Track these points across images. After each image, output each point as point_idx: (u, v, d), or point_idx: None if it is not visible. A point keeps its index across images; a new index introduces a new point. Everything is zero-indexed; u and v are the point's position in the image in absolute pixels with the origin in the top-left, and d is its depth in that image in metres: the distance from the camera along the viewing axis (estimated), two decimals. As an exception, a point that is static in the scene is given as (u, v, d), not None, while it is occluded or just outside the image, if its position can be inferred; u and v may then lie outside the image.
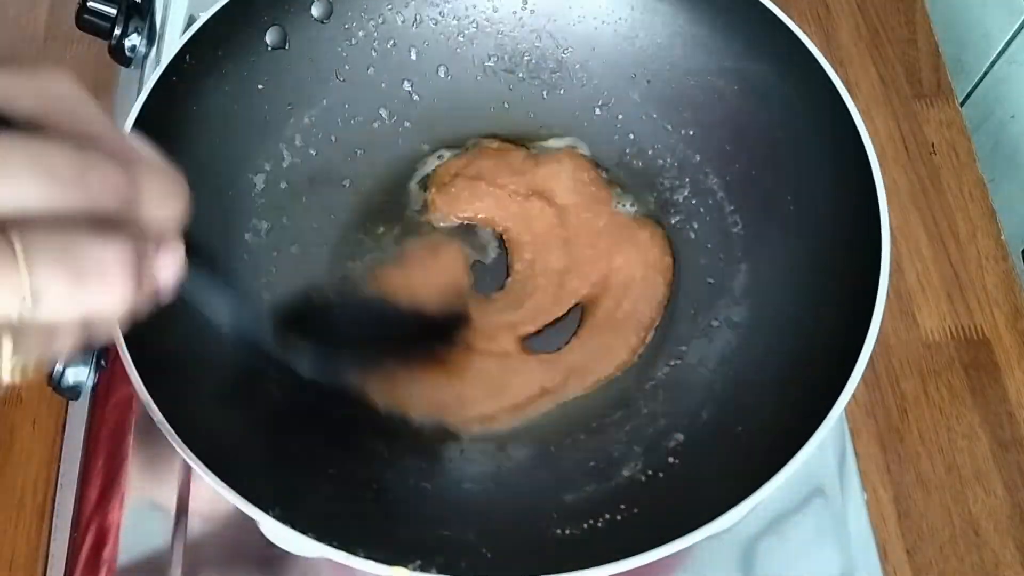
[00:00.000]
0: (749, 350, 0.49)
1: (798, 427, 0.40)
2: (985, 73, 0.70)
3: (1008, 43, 0.67)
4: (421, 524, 0.43)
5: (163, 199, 0.25)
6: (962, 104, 0.68)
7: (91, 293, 0.22)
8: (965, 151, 0.64)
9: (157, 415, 0.39)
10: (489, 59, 0.58)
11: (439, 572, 0.38)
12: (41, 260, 0.21)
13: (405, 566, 0.38)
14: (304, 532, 0.38)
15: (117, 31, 0.61)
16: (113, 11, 0.61)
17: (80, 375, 0.50)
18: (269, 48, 0.53)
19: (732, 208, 0.53)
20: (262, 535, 0.47)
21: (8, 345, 0.23)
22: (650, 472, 0.45)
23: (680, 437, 0.47)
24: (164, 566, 0.47)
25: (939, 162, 0.64)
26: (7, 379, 0.23)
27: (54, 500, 0.51)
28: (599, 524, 0.43)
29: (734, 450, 0.44)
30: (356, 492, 0.44)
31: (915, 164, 0.63)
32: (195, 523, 0.48)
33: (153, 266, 0.25)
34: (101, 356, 0.51)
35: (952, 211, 0.62)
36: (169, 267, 0.26)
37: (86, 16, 0.61)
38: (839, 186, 0.48)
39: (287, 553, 0.47)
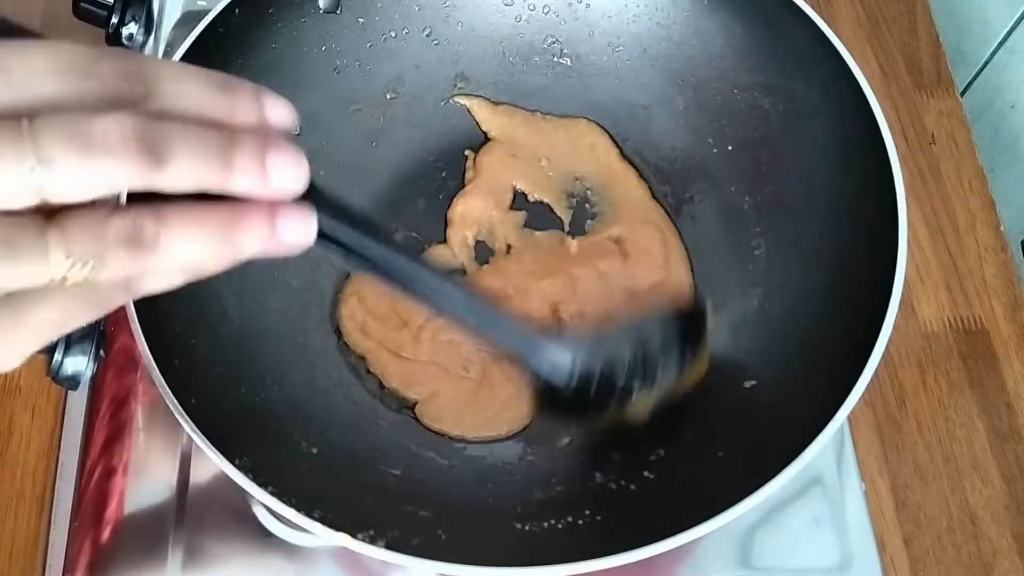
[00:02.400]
0: (746, 376, 0.48)
1: (772, 461, 0.40)
2: (985, 63, 0.70)
3: (1008, 33, 0.67)
4: (387, 496, 0.43)
5: (189, 86, 0.25)
6: (962, 94, 0.67)
7: (98, 161, 0.23)
8: (965, 141, 0.64)
9: (169, 396, 0.40)
10: (539, 47, 0.59)
11: (388, 546, 0.38)
12: (46, 130, 0.22)
13: (354, 535, 0.38)
14: (264, 487, 0.38)
15: (114, 20, 0.61)
16: (110, 0, 0.61)
17: (79, 365, 0.50)
18: (321, 11, 0.54)
19: (758, 230, 0.53)
20: (259, 524, 0.47)
21: (55, 235, 0.23)
22: (622, 482, 0.45)
23: (661, 453, 0.46)
24: (163, 555, 0.47)
25: (939, 152, 0.64)
26: (64, 272, 0.23)
27: (53, 489, 0.51)
28: (559, 525, 0.43)
29: (709, 473, 0.44)
30: (332, 460, 0.45)
31: (915, 154, 0.63)
32: (194, 513, 0.49)
33: (244, 157, 0.25)
34: (100, 346, 0.51)
35: (951, 201, 0.62)
36: (276, 166, 0.25)
37: (83, 5, 0.61)
38: (866, 226, 0.47)
39: (282, 541, 0.47)
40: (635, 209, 0.56)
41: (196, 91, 0.25)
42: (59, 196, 0.23)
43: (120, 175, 0.23)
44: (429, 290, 0.34)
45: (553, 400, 0.42)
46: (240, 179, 0.25)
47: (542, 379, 0.41)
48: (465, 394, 0.50)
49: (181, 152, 0.24)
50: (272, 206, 0.26)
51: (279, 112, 0.26)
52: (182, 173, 0.24)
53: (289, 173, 0.25)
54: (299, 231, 0.26)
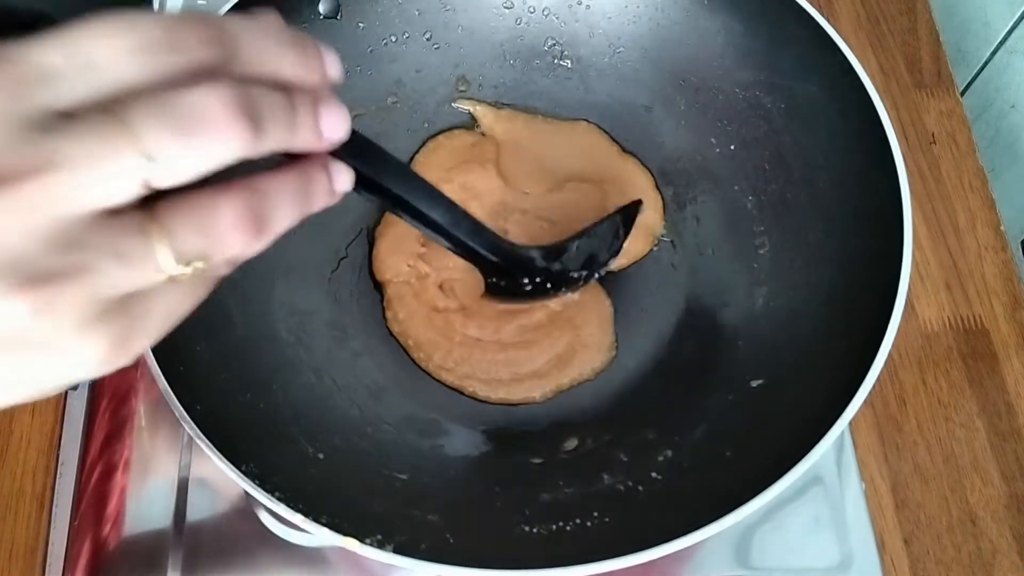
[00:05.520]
0: (753, 374, 0.48)
1: (781, 459, 0.40)
2: (985, 63, 0.70)
3: (1009, 32, 0.67)
4: (394, 501, 0.43)
5: (269, 46, 0.24)
6: (962, 94, 0.68)
7: (202, 139, 0.22)
8: (965, 141, 0.64)
9: (175, 403, 0.40)
10: (540, 49, 0.59)
11: (397, 550, 0.38)
12: (142, 118, 0.21)
13: (362, 540, 0.38)
14: (271, 492, 0.38)
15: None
16: (111, -2, 0.61)
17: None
18: (321, 16, 0.54)
19: (762, 229, 0.53)
20: (260, 523, 0.47)
21: (160, 236, 0.22)
22: (630, 483, 0.45)
23: (669, 453, 0.46)
24: (164, 554, 0.47)
25: (939, 152, 0.64)
26: (175, 272, 0.23)
27: (54, 488, 0.51)
28: (568, 528, 0.43)
29: (717, 473, 0.44)
30: (338, 465, 0.45)
31: (915, 154, 0.63)
32: (195, 511, 0.49)
33: (306, 116, 0.25)
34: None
35: (952, 201, 0.62)
36: (330, 121, 0.26)
37: (84, 3, 0.61)
38: (870, 224, 0.47)
39: (284, 541, 0.47)
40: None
41: (276, 53, 0.25)
42: (167, 183, 0.22)
43: (226, 149, 0.23)
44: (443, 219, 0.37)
45: (509, 290, 0.46)
46: (301, 138, 0.25)
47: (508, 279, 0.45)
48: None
49: (271, 116, 0.24)
50: (324, 161, 0.27)
51: (335, 69, 0.27)
52: (273, 139, 0.24)
53: (339, 127, 0.27)
54: (346, 180, 0.28)
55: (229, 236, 0.23)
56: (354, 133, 0.28)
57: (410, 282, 0.53)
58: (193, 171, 0.22)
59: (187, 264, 0.23)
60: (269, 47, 0.24)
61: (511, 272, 0.45)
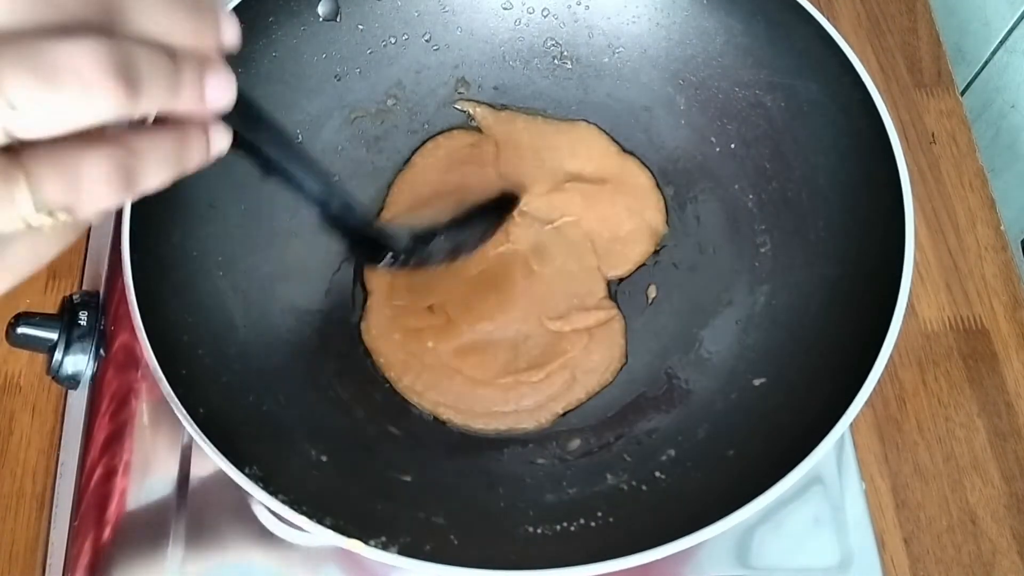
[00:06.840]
0: (755, 373, 0.48)
1: (783, 458, 0.40)
2: (986, 62, 0.70)
3: (1008, 32, 0.67)
4: (398, 502, 0.43)
5: (159, 9, 0.24)
6: (962, 93, 0.68)
7: (69, 94, 0.21)
8: (965, 141, 0.64)
9: (178, 406, 0.40)
10: (539, 50, 0.59)
11: (401, 552, 0.38)
12: (6, 66, 0.20)
13: (366, 541, 0.38)
14: (274, 495, 0.38)
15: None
16: None
17: (79, 364, 0.50)
18: (320, 19, 0.54)
19: (763, 227, 0.53)
20: (260, 523, 0.47)
21: (22, 183, 0.22)
22: (634, 483, 0.45)
23: (672, 453, 0.46)
24: (163, 555, 0.47)
25: (939, 152, 0.64)
26: (36, 222, 0.22)
27: (53, 489, 0.51)
28: (572, 528, 0.43)
29: (720, 473, 0.44)
30: (342, 467, 0.45)
31: (915, 154, 0.63)
32: (194, 512, 0.49)
33: (191, 82, 0.25)
34: (100, 345, 0.51)
35: (952, 201, 0.62)
36: (215, 88, 0.26)
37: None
38: (871, 222, 0.47)
39: (282, 541, 0.47)
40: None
41: (165, 17, 0.24)
42: (31, 134, 0.21)
43: (96, 106, 0.22)
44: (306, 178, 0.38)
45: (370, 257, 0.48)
46: (184, 102, 0.25)
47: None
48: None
49: (150, 79, 0.23)
50: (204, 124, 0.27)
51: (231, 35, 0.27)
52: (150, 101, 0.23)
53: (224, 94, 0.26)
54: (224, 143, 0.28)
55: (95, 190, 0.23)
56: (240, 95, 0.28)
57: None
58: (59, 125, 0.22)
59: (49, 214, 0.22)
60: (159, 10, 0.24)
61: (375, 247, 0.46)
